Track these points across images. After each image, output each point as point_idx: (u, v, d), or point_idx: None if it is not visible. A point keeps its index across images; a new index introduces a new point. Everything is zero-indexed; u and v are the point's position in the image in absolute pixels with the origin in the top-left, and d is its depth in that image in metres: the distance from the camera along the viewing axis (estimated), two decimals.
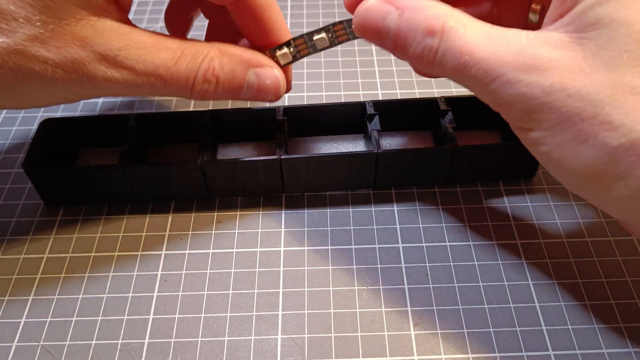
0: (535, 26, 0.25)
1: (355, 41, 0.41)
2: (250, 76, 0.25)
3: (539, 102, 0.19)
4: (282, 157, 0.28)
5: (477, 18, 0.22)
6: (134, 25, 0.23)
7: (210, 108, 0.32)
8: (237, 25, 0.26)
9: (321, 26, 0.25)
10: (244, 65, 0.25)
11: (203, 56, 0.24)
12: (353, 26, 0.23)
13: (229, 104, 0.36)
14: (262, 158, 0.29)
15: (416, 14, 0.21)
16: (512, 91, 0.20)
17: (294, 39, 0.26)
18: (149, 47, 0.23)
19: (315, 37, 0.26)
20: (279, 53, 0.26)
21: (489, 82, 0.20)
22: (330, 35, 0.25)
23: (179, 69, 0.23)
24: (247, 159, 0.29)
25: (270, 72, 0.26)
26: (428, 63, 0.21)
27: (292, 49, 0.26)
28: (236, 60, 0.25)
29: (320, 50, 0.26)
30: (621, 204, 0.20)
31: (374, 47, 0.41)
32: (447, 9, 0.21)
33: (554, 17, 0.20)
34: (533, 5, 0.25)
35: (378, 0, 0.22)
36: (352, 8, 0.23)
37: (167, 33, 0.29)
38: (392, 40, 0.22)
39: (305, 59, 0.40)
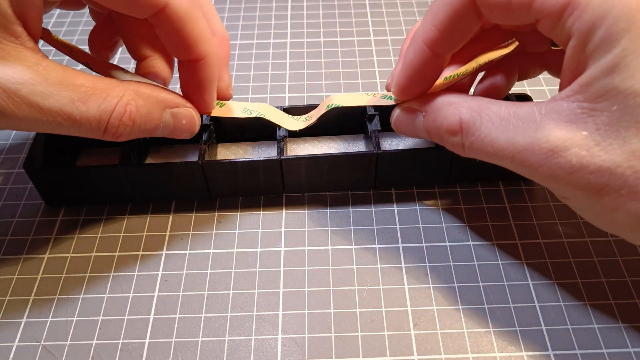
0: (560, 50, 0.25)
1: (356, 41, 0.42)
2: (166, 117, 0.25)
3: (564, 182, 0.20)
4: (282, 157, 0.28)
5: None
6: (44, 56, 0.21)
7: None
8: (161, 39, 0.25)
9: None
10: (160, 106, 0.24)
11: (118, 98, 0.22)
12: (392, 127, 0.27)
13: None
14: (262, 158, 0.29)
15: (437, 114, 0.24)
16: (538, 174, 0.21)
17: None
18: (55, 83, 0.21)
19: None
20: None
21: (516, 167, 0.21)
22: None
23: (89, 109, 0.21)
24: (247, 159, 0.29)
25: (187, 112, 0.26)
26: (461, 153, 0.24)
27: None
28: (152, 101, 0.24)
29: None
30: None
31: (374, 48, 0.41)
32: (463, 101, 0.23)
33: (567, 79, 0.21)
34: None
35: (406, 106, 0.26)
36: (399, 97, 0.26)
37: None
38: (426, 136, 0.25)
39: (305, 60, 0.40)
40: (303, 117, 0.30)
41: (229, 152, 0.33)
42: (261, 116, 0.29)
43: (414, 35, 0.24)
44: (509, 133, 0.21)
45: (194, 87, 0.26)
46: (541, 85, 0.38)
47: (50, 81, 0.21)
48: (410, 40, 0.24)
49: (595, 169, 0.19)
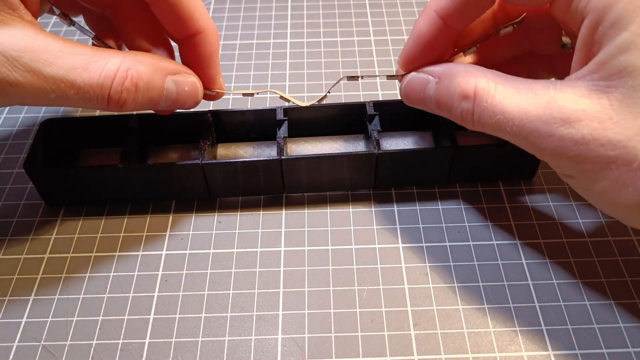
0: (568, 53, 0.26)
1: (356, 41, 0.42)
2: (168, 84, 0.24)
3: (573, 154, 0.20)
4: (282, 157, 0.29)
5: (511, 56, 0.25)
6: (42, 29, 0.22)
7: (211, 108, 0.32)
8: (157, 18, 0.25)
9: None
10: (161, 72, 0.24)
11: (119, 63, 0.22)
12: (400, 96, 0.27)
13: (230, 104, 0.36)
14: (262, 158, 0.29)
15: (451, 80, 0.24)
16: (546, 145, 0.21)
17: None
18: (57, 51, 0.21)
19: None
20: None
21: (524, 137, 0.21)
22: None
23: (92, 75, 0.22)
24: (247, 159, 0.29)
25: (188, 78, 0.25)
26: (468, 123, 0.23)
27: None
28: (153, 67, 0.24)
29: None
30: None
31: (374, 48, 0.41)
32: (478, 70, 0.23)
33: (581, 61, 0.21)
34: (563, 38, 0.26)
35: (417, 72, 0.25)
36: (404, 67, 0.26)
37: None
38: (434, 105, 0.25)
39: (305, 60, 0.40)
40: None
41: (229, 152, 0.33)
42: (272, 90, 0.29)
43: (426, 6, 0.24)
44: (522, 102, 0.21)
45: (197, 64, 0.26)
46: None
47: (51, 49, 0.21)
48: (422, 10, 0.25)
49: (607, 142, 0.19)
